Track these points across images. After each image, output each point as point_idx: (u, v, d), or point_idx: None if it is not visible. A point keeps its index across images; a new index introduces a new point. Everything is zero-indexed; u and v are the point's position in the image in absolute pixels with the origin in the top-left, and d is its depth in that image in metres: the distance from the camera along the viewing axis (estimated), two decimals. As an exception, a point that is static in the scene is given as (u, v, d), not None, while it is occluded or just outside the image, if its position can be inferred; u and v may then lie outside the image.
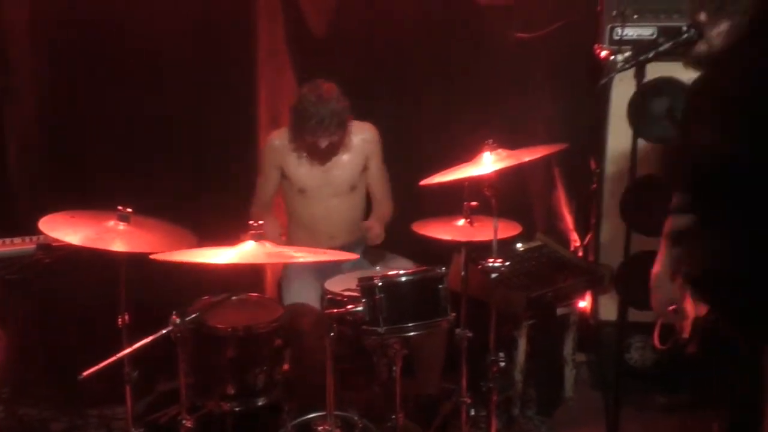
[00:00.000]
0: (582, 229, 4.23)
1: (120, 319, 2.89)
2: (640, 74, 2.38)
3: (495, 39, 4.15)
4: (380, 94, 4.16)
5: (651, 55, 2.32)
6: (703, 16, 2.21)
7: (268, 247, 2.65)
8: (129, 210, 2.89)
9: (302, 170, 3.62)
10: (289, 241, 3.75)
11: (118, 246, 2.77)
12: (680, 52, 2.30)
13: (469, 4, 4.08)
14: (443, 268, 2.96)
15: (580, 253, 4.17)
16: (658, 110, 3.73)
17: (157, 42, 3.97)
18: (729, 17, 2.14)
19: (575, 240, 4.28)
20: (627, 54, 2.38)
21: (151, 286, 3.35)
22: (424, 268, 3.00)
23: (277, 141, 3.66)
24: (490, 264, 3.05)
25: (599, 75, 3.79)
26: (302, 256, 2.57)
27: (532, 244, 4.01)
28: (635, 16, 3.72)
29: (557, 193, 4.34)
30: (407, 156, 4.05)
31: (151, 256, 2.59)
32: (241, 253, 2.56)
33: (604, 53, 3.79)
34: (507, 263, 3.09)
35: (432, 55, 4.18)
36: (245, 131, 4.14)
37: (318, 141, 3.46)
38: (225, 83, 4.04)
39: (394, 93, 4.22)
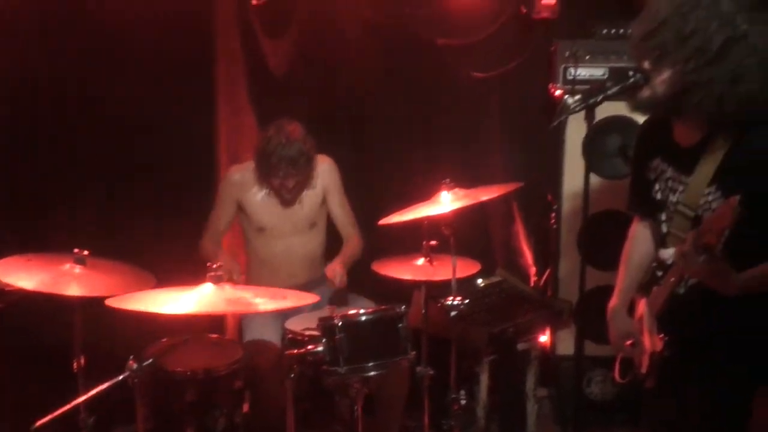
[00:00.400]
0: (541, 263, 4.29)
1: (75, 363, 2.84)
2: (590, 116, 2.44)
3: (452, 78, 4.22)
4: (339, 134, 4.18)
5: (600, 98, 2.36)
6: (646, 64, 2.27)
7: (228, 290, 2.64)
8: (86, 252, 2.85)
9: (262, 208, 3.61)
10: (249, 280, 3.72)
11: (74, 290, 2.73)
12: (628, 95, 2.36)
13: (426, 44, 4.16)
14: (403, 307, 2.98)
15: (540, 288, 4.21)
16: (611, 147, 3.84)
17: (115, 82, 3.96)
18: (671, 66, 2.20)
19: (534, 275, 4.33)
20: (578, 97, 2.41)
21: (109, 328, 3.29)
22: (384, 307, 3.00)
23: (237, 175, 3.65)
24: (450, 302, 3.07)
25: (554, 113, 3.92)
26: (263, 302, 2.55)
27: (493, 280, 4.05)
28: (587, 57, 3.84)
29: (516, 228, 4.41)
30: (366, 195, 4.07)
31: (107, 303, 2.55)
32: (199, 299, 2.53)
33: (558, 92, 3.90)
34: (466, 301, 3.11)
35: (389, 94, 4.22)
36: (205, 171, 4.13)
37: (286, 182, 3.46)
38: (184, 123, 4.03)
39: (353, 132, 4.26)
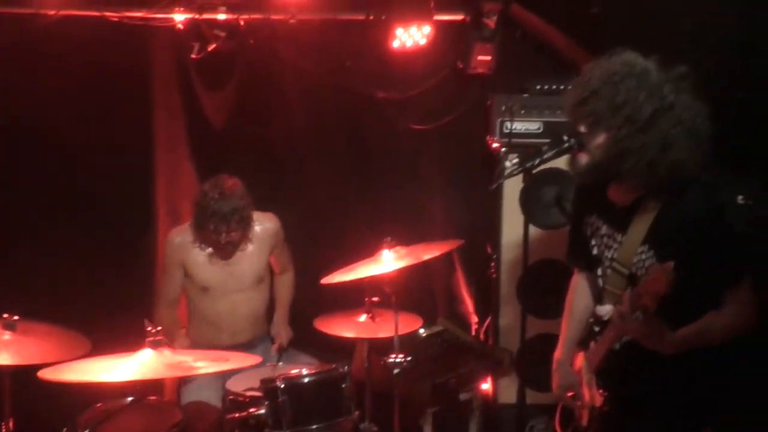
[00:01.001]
0: (482, 312, 4.31)
1: (4, 428, 2.72)
2: (527, 178, 2.49)
3: (392, 132, 4.27)
4: (280, 189, 4.17)
5: (536, 162, 2.43)
6: (582, 129, 2.34)
7: (167, 355, 2.57)
8: (15, 317, 2.75)
9: (205, 267, 3.56)
10: (192, 338, 3.65)
11: (4, 359, 2.62)
12: (561, 156, 2.43)
13: (366, 97, 4.19)
14: (345, 367, 2.95)
15: (481, 336, 4.23)
16: (548, 198, 3.91)
17: (49, 137, 3.87)
18: (605, 132, 2.28)
19: (476, 323, 4.36)
20: (514, 160, 2.46)
21: (42, 391, 3.15)
22: (327, 367, 2.97)
23: (178, 238, 3.59)
24: (393, 360, 3.05)
25: (492, 165, 4.00)
26: (204, 366, 2.50)
27: (434, 329, 4.04)
28: (522, 112, 3.92)
29: (457, 277, 4.43)
30: (308, 250, 4.04)
31: (39, 375, 2.45)
32: (138, 366, 2.46)
33: (495, 145, 3.96)
34: (409, 358, 3.10)
35: (330, 148, 4.24)
36: (142, 226, 4.06)
37: (220, 237, 3.42)
38: (121, 177, 3.98)
39: (294, 187, 4.25)
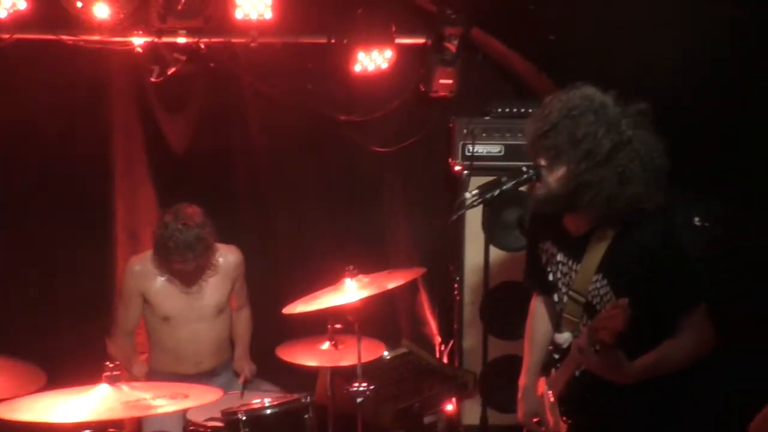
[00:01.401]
0: (446, 334, 4.31)
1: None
2: (486, 211, 2.50)
3: (354, 155, 4.26)
4: (242, 214, 4.13)
5: (496, 193, 2.41)
6: (542, 161, 2.36)
7: (125, 391, 2.50)
8: (-33, 351, 2.67)
9: (166, 297, 3.48)
10: (152, 368, 3.59)
11: (-46, 393, 2.53)
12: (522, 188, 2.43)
13: (327, 121, 4.18)
14: (308, 397, 2.91)
15: (445, 358, 4.23)
16: (510, 221, 3.93)
17: (8, 158, 3.81)
18: (564, 165, 2.30)
19: (440, 344, 4.35)
20: (474, 191, 2.44)
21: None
22: (289, 398, 2.93)
23: (138, 266, 3.51)
24: (356, 388, 3.03)
25: (455, 187, 4.02)
26: (163, 404, 2.44)
27: (398, 351, 4.03)
28: (484, 135, 3.94)
29: (420, 299, 4.43)
30: (269, 277, 4.01)
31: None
32: (95, 404, 2.39)
33: (457, 168, 3.97)
34: (372, 387, 3.08)
35: (292, 172, 4.22)
36: (100, 251, 3.99)
37: (187, 266, 3.37)
38: (79, 200, 3.91)
39: (255, 210, 4.20)
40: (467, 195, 2.42)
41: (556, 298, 2.53)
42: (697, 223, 3.40)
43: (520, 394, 2.71)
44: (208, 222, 3.38)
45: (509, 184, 2.40)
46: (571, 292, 2.43)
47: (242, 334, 3.75)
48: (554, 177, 2.31)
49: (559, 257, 2.50)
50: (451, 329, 4.23)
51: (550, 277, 2.55)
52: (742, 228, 3.14)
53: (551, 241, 2.54)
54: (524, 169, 2.39)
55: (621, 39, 3.07)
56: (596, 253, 2.36)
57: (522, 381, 2.72)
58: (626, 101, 2.32)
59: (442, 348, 4.32)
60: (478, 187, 2.44)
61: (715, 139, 2.97)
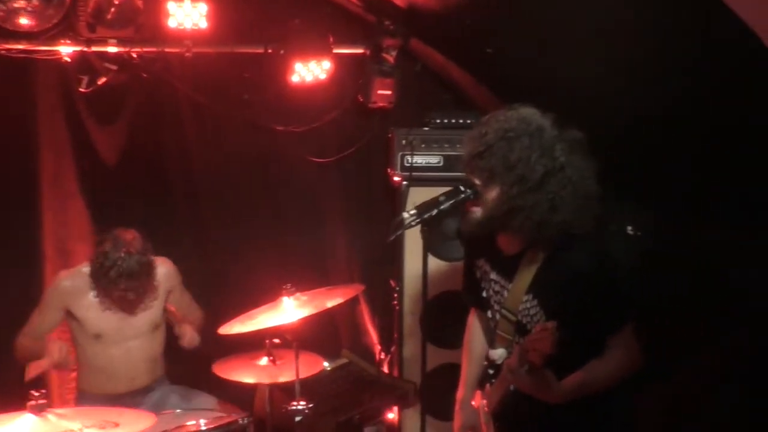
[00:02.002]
0: (386, 343, 4.30)
1: None
2: (425, 233, 2.48)
3: (292, 165, 4.20)
4: (178, 228, 4.04)
5: (434, 212, 2.42)
6: (477, 181, 2.36)
7: (51, 420, 2.40)
8: None
9: (98, 315, 3.36)
10: (83, 387, 3.47)
11: None
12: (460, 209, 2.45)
13: (265, 132, 4.11)
14: (245, 419, 2.86)
15: (385, 368, 4.21)
16: (449, 232, 3.90)
17: None
18: (498, 187, 2.30)
19: (380, 354, 4.33)
20: (412, 211, 2.45)
21: None
22: (226, 419, 2.87)
23: (68, 282, 3.38)
24: (294, 407, 2.98)
25: (395, 197, 4.01)
26: (91, 434, 2.35)
27: (339, 362, 3.98)
28: (423, 145, 3.93)
29: (361, 309, 4.40)
30: (206, 292, 3.89)
31: None
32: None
33: (396, 179, 3.95)
34: (311, 405, 3.03)
35: (229, 184, 4.14)
36: (27, 265, 3.85)
37: (129, 294, 3.26)
38: (3, 211, 3.78)
39: (190, 225, 4.11)
40: (405, 215, 2.43)
41: (489, 314, 2.55)
42: (630, 232, 3.46)
43: (457, 407, 2.72)
44: (149, 246, 3.29)
45: (447, 204, 2.41)
46: (503, 311, 2.46)
47: (193, 320, 3.61)
48: (488, 198, 2.32)
49: (492, 275, 2.51)
50: (391, 339, 4.21)
51: (484, 294, 2.56)
52: (674, 237, 3.21)
53: (485, 259, 2.56)
54: (462, 188, 2.40)
55: (557, 52, 3.09)
56: (527, 274, 2.38)
57: (459, 394, 2.74)
58: (563, 124, 2.34)
59: (383, 357, 4.30)
60: (415, 207, 2.45)
61: (650, 148, 3.01)
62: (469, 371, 2.75)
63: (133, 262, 3.18)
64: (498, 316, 2.48)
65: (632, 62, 2.75)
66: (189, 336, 3.43)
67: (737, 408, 2.83)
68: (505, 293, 2.45)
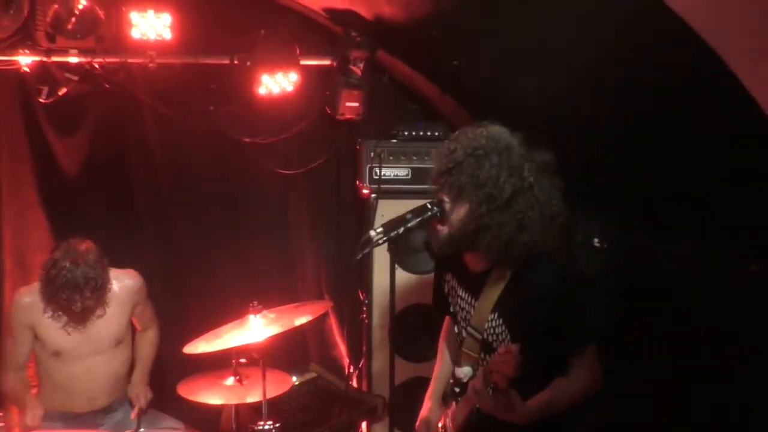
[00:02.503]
0: (355, 356, 4.25)
1: None
2: (392, 250, 2.46)
3: (259, 178, 4.15)
4: (139, 241, 3.94)
5: (401, 230, 2.39)
6: (445, 198, 2.34)
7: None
8: None
9: (56, 331, 3.24)
10: (41, 404, 3.32)
11: None
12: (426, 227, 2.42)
13: (231, 144, 4.06)
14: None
15: (354, 381, 4.16)
16: (417, 244, 3.90)
17: None
18: (467, 204, 2.28)
19: (349, 367, 4.28)
20: (379, 229, 2.43)
21: None
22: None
23: (27, 298, 3.26)
24: (261, 427, 2.92)
25: (363, 209, 3.97)
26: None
27: (307, 377, 3.96)
28: (391, 158, 3.90)
29: (330, 321, 4.36)
30: (170, 308, 3.82)
31: None
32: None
33: (365, 191, 3.92)
34: (278, 425, 2.98)
35: (193, 197, 4.07)
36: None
37: (74, 307, 3.14)
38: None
39: (154, 239, 4.03)
40: (372, 233, 2.39)
41: (456, 330, 2.54)
42: (596, 244, 3.47)
43: (418, 424, 2.69)
44: (102, 260, 3.17)
45: (413, 222, 2.38)
46: (469, 328, 2.44)
47: (145, 356, 3.54)
48: (456, 216, 2.30)
49: (460, 291, 2.50)
50: (360, 352, 4.17)
51: (452, 309, 2.56)
52: (641, 250, 3.21)
53: (452, 274, 2.55)
54: (428, 206, 2.38)
55: (522, 64, 3.09)
56: (493, 293, 2.37)
57: (424, 411, 2.72)
58: (530, 143, 2.33)
59: (352, 371, 4.25)
60: (382, 225, 2.42)
61: (615, 156, 3.02)
62: (438, 382, 2.74)
63: (78, 273, 3.06)
64: (464, 333, 2.47)
65: (595, 76, 2.74)
66: (144, 400, 3.36)
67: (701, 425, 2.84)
68: (472, 311, 2.43)
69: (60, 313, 3.20)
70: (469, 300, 2.45)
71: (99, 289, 3.15)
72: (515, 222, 2.24)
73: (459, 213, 2.30)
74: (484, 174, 2.24)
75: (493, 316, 2.36)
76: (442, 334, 2.79)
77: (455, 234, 2.31)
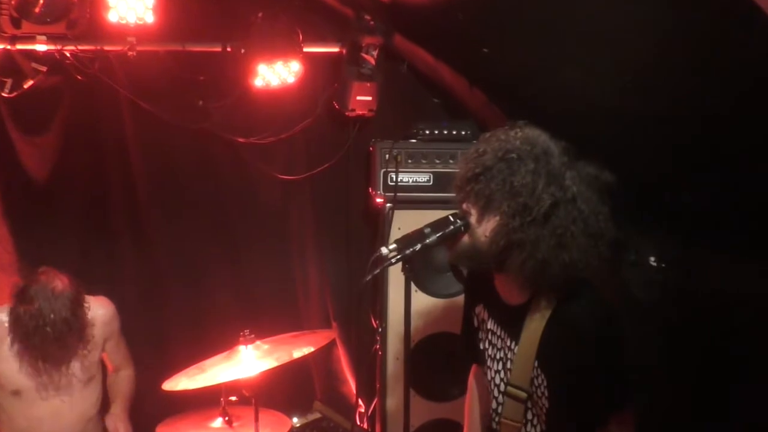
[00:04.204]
0: (367, 394, 4.20)
1: None
2: (407, 272, 2.44)
3: (255, 184, 4.17)
4: (115, 257, 3.97)
5: (418, 248, 2.36)
6: (471, 210, 2.31)
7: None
8: None
9: (14, 367, 3.25)
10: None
11: None
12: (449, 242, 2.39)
13: (223, 144, 4.08)
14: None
15: (365, 423, 4.15)
16: (440, 262, 3.85)
17: None
18: (497, 216, 2.24)
19: (360, 406, 4.26)
20: (392, 246, 2.40)
21: None
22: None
23: None
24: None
25: (377, 221, 3.95)
26: None
27: (310, 418, 3.98)
28: (410, 161, 3.88)
29: (337, 353, 4.34)
30: (151, 337, 3.86)
31: None
32: None
33: (379, 200, 3.90)
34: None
35: (178, 207, 4.09)
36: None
37: (50, 349, 3.18)
38: None
39: (133, 254, 4.05)
40: (384, 250, 2.37)
41: (488, 381, 2.48)
42: (653, 264, 3.42)
43: None
44: (80, 297, 3.22)
45: (433, 237, 2.36)
46: (510, 389, 2.37)
47: (122, 392, 3.57)
48: (483, 230, 2.27)
49: (490, 324, 2.47)
50: (373, 389, 4.10)
51: (481, 345, 2.52)
52: (701, 271, 3.16)
53: (483, 305, 2.52)
54: (451, 218, 2.36)
55: (566, 52, 3.03)
56: (534, 334, 2.31)
57: None
58: (575, 148, 2.29)
59: (363, 411, 4.22)
60: (396, 241, 2.40)
61: (674, 162, 2.97)
62: None
63: (58, 319, 3.11)
64: (501, 397, 2.42)
65: (657, 69, 2.68)
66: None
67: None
68: (509, 354, 2.38)
69: (31, 354, 3.21)
70: (505, 339, 2.40)
71: (78, 332, 3.19)
72: (555, 239, 2.19)
73: (487, 226, 2.26)
74: (518, 181, 2.20)
75: (536, 364, 2.30)
76: (469, 386, 2.75)
77: (480, 249, 2.28)
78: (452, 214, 2.36)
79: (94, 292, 3.39)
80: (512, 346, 2.37)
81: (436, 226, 2.36)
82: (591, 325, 2.25)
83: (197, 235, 4.11)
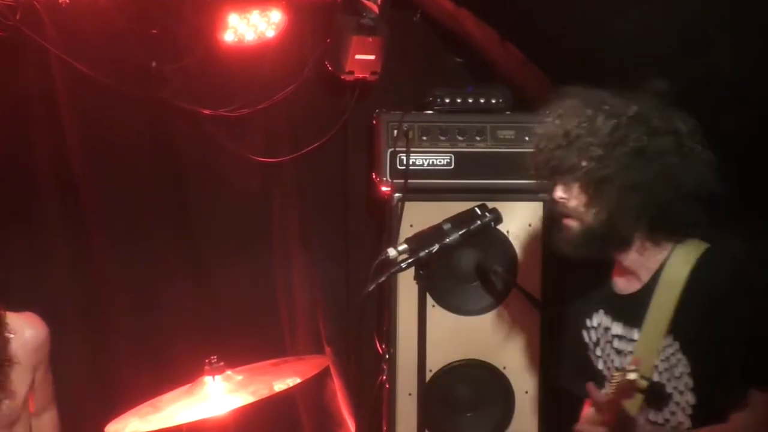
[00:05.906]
0: (373, 437, 4.27)
1: None
2: (421, 279, 2.46)
3: (225, 168, 4.22)
4: (47, 261, 4.00)
5: (435, 249, 2.42)
6: (559, 191, 2.57)
7: None
8: None
9: None
10: None
11: None
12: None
13: (184, 117, 4.10)
14: None
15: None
16: (465, 268, 3.88)
17: None
18: (612, 191, 2.50)
19: (361, 455, 4.29)
20: (403, 247, 2.47)
21: None
22: None
23: None
24: None
25: (381, 216, 3.98)
26: None
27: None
28: (424, 138, 3.88)
29: (333, 387, 4.36)
30: (88, 365, 3.91)
31: None
32: None
33: (385, 189, 3.90)
34: None
35: (126, 196, 4.18)
36: None
37: None
38: None
39: (72, 254, 4.08)
40: (391, 252, 2.45)
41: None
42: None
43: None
44: (2, 314, 3.21)
45: (454, 236, 2.45)
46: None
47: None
48: (596, 212, 2.52)
49: (614, 328, 2.67)
50: (378, 431, 4.13)
51: (599, 365, 2.73)
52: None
53: (604, 309, 2.71)
54: (478, 211, 2.47)
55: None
56: (665, 309, 2.53)
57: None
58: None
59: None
60: (407, 241, 2.46)
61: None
62: None
63: None
64: None
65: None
66: None
67: None
68: (629, 350, 2.61)
69: None
70: (631, 333, 2.61)
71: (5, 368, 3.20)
72: (669, 181, 2.50)
73: (602, 206, 2.52)
74: (618, 134, 2.49)
75: (668, 341, 2.51)
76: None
77: (587, 227, 2.53)
78: (479, 206, 2.48)
79: (17, 309, 3.36)
80: (634, 336, 2.59)
81: (458, 221, 2.47)
82: (726, 285, 2.49)
83: (150, 233, 4.15)
